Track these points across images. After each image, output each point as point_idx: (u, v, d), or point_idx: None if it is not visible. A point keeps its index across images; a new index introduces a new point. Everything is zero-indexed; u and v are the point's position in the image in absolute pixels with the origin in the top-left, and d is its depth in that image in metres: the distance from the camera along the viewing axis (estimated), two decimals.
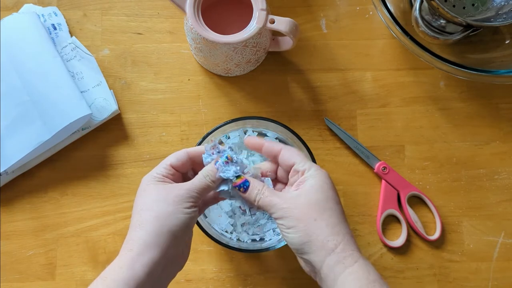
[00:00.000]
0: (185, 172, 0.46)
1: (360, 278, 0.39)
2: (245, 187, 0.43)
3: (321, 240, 0.40)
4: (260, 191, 0.43)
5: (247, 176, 0.44)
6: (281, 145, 0.46)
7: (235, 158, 0.44)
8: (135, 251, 0.39)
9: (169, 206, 0.41)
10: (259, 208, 0.43)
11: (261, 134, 0.59)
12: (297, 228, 0.41)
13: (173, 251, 0.41)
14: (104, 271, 0.40)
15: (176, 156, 0.45)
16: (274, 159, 0.47)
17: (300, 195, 0.42)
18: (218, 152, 0.45)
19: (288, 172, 0.46)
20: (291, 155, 0.45)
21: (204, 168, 0.44)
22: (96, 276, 0.40)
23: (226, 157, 0.44)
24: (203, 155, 0.45)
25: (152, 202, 0.42)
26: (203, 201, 0.47)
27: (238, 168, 0.44)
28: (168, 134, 0.62)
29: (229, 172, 0.43)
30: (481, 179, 0.62)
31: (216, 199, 0.48)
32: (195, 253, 0.59)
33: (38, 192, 0.60)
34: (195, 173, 0.44)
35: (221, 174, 0.43)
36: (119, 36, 0.65)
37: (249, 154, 0.57)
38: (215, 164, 0.44)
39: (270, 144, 0.46)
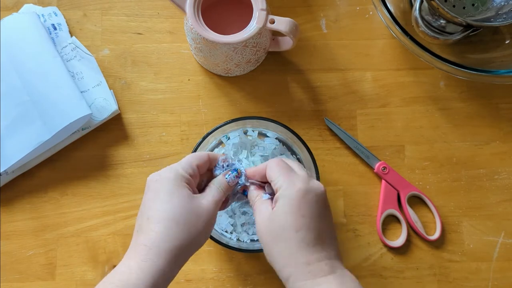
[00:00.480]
0: (202, 174, 0.46)
1: None
2: (244, 194, 0.47)
3: (277, 268, 0.41)
4: (253, 201, 0.45)
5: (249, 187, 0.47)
6: (266, 163, 0.46)
7: (243, 171, 0.47)
8: (160, 264, 0.39)
9: (199, 223, 0.41)
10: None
11: (261, 134, 0.59)
12: (265, 252, 0.42)
13: (185, 262, 0.43)
14: (116, 275, 0.39)
15: (200, 157, 0.45)
16: (265, 179, 0.47)
17: (269, 219, 0.42)
18: (228, 165, 0.47)
19: None
20: (269, 173, 0.44)
21: (217, 181, 0.45)
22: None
23: (236, 171, 0.46)
24: (215, 167, 0.47)
25: (181, 215, 0.41)
26: None
27: (243, 179, 0.47)
28: (168, 134, 0.62)
29: (237, 185, 0.47)
30: (481, 179, 0.62)
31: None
32: (195, 253, 0.59)
33: (38, 192, 0.60)
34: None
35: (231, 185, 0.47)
36: (119, 36, 0.65)
37: (250, 155, 0.57)
38: (226, 177, 0.46)
39: (256, 168, 0.47)
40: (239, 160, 0.55)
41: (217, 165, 0.47)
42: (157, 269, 0.38)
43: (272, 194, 0.45)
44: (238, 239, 0.56)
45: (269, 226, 0.42)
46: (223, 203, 0.47)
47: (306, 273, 0.39)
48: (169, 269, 0.39)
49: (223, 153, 0.49)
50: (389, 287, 0.59)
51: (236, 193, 0.48)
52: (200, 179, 0.46)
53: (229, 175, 0.45)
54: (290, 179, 0.42)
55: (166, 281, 0.40)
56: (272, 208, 0.43)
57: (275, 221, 0.41)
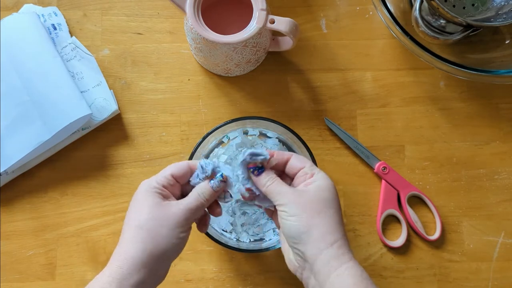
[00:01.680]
0: (184, 183, 0.46)
1: (355, 275, 0.40)
2: (259, 171, 0.45)
3: (321, 232, 0.41)
4: (271, 178, 0.44)
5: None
6: (291, 153, 0.47)
7: (230, 176, 0.45)
8: (125, 269, 0.40)
9: (164, 229, 0.41)
10: (266, 193, 0.44)
11: (262, 134, 0.59)
12: (299, 217, 0.41)
13: (162, 270, 0.42)
14: (93, 282, 0.40)
15: (178, 167, 0.45)
16: (282, 167, 0.47)
17: (309, 190, 0.43)
18: (203, 173, 0.45)
19: (292, 179, 0.46)
20: (302, 160, 0.46)
21: (199, 187, 0.44)
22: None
23: (222, 176, 0.45)
24: (193, 175, 0.45)
25: (147, 221, 0.42)
26: (201, 219, 0.47)
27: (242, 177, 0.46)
28: (168, 134, 0.62)
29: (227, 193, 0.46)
30: (481, 179, 0.62)
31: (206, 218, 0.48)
32: (195, 253, 0.59)
33: (38, 192, 0.60)
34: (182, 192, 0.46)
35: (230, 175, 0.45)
36: (119, 36, 0.65)
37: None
38: (210, 183, 0.44)
39: (281, 153, 0.47)
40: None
41: (193, 174, 0.46)
42: (123, 275, 0.39)
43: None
44: (238, 239, 0.56)
45: (316, 195, 0.43)
46: (215, 208, 0.47)
47: (348, 245, 0.42)
48: (139, 277, 0.40)
49: (203, 160, 0.47)
50: (389, 287, 0.59)
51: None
52: (184, 188, 0.46)
53: (213, 180, 0.44)
54: (312, 163, 0.45)
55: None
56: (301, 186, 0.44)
57: (326, 192, 0.43)
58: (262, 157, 0.44)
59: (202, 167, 0.45)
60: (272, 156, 0.45)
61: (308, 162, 0.46)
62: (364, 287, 0.39)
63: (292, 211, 0.42)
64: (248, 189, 0.46)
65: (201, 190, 0.44)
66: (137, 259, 0.40)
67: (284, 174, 0.47)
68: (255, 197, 0.46)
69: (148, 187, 0.44)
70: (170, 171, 0.45)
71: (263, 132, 0.59)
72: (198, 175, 0.45)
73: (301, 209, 0.42)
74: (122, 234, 0.42)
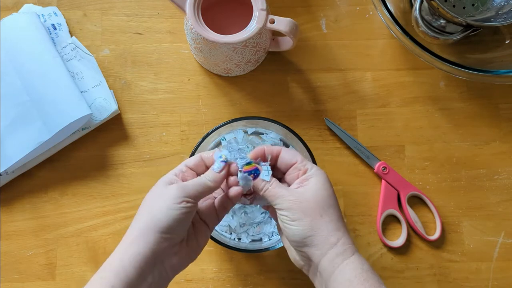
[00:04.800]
0: (201, 172, 0.47)
1: (356, 268, 0.41)
2: (255, 174, 0.45)
3: (325, 235, 0.41)
4: (268, 181, 0.45)
5: (258, 165, 0.45)
6: (280, 147, 0.47)
7: (237, 158, 0.46)
8: (127, 242, 0.41)
9: (159, 201, 0.42)
10: (264, 196, 0.44)
11: (260, 134, 0.59)
12: (302, 222, 0.42)
13: (165, 246, 0.42)
14: (106, 261, 0.42)
15: (191, 158, 0.47)
16: (273, 162, 0.47)
17: (307, 191, 0.43)
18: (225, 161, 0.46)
19: (284, 173, 0.47)
20: (292, 154, 0.46)
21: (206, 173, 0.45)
22: None
23: (221, 158, 0.45)
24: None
25: (149, 199, 0.44)
26: (217, 208, 0.47)
27: (244, 159, 0.46)
28: (168, 134, 0.62)
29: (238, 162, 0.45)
30: (481, 179, 0.62)
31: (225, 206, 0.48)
32: None
33: (38, 192, 0.60)
34: None
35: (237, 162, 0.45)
36: (119, 36, 0.65)
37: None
38: (213, 167, 0.45)
39: (270, 147, 0.47)
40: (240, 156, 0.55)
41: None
42: (124, 250, 0.41)
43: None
44: (238, 239, 0.56)
45: (315, 196, 0.43)
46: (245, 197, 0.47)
47: (349, 237, 0.43)
48: (136, 248, 0.41)
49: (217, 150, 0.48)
50: (389, 287, 0.59)
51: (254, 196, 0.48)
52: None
53: (215, 164, 0.45)
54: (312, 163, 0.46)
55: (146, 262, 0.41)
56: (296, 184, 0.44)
57: (323, 189, 0.43)
58: (250, 183, 0.45)
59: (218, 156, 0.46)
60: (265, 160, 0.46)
61: (298, 156, 0.46)
62: (364, 278, 0.40)
63: (293, 215, 0.42)
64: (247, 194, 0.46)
65: (205, 175, 0.45)
66: (134, 232, 0.41)
67: (276, 168, 0.47)
68: (253, 199, 0.47)
69: (162, 179, 0.45)
70: (184, 162, 0.46)
71: (260, 131, 0.59)
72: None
73: (303, 214, 0.42)
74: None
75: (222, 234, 0.56)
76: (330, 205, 0.43)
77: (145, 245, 0.41)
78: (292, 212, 0.42)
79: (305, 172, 0.45)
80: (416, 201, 0.61)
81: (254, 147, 0.57)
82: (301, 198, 0.43)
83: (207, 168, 0.46)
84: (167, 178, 0.45)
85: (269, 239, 0.56)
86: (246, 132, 0.58)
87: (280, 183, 0.45)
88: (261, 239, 0.57)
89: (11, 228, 0.60)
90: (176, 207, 0.42)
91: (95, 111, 0.60)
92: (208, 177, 0.44)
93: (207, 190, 0.44)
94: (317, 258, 0.42)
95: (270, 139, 0.58)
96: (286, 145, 0.59)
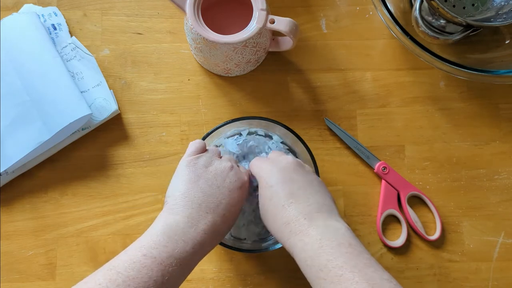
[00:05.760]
0: None
1: (300, 260, 0.42)
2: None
3: (274, 232, 0.45)
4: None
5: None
6: (251, 163, 0.51)
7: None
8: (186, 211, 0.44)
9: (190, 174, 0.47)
10: None
11: (259, 134, 0.59)
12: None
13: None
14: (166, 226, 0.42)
15: (200, 143, 0.51)
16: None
17: (260, 204, 0.48)
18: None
19: None
20: (252, 171, 0.50)
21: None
22: None
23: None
24: None
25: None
26: None
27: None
28: (168, 134, 0.62)
29: None
30: (481, 179, 0.62)
31: None
32: None
33: (38, 192, 0.60)
34: None
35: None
36: (119, 36, 0.65)
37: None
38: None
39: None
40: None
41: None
42: (189, 215, 0.43)
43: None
44: (238, 239, 0.56)
45: (260, 210, 0.47)
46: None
47: (287, 232, 0.43)
48: (196, 215, 0.43)
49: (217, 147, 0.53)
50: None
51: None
52: None
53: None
54: (260, 166, 0.49)
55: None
56: None
57: (260, 202, 0.47)
58: None
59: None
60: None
61: (253, 166, 0.49)
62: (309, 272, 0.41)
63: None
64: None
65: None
66: (191, 205, 0.44)
67: None
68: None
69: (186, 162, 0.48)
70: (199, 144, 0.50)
71: (258, 132, 0.59)
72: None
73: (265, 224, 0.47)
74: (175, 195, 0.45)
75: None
76: (264, 219, 0.46)
77: (202, 213, 0.45)
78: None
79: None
80: (416, 201, 0.61)
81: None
82: (260, 210, 0.47)
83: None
84: (187, 161, 0.48)
85: (269, 239, 0.56)
86: (239, 134, 0.58)
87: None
88: (261, 239, 0.57)
89: (11, 228, 0.60)
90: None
91: (95, 111, 0.60)
92: None
93: None
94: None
95: (274, 143, 0.58)
96: (286, 144, 0.59)
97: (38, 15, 0.63)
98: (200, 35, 0.55)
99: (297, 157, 0.59)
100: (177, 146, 0.62)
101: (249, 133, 0.59)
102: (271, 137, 0.59)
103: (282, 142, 0.58)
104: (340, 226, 0.42)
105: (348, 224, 0.60)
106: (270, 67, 0.64)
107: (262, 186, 0.47)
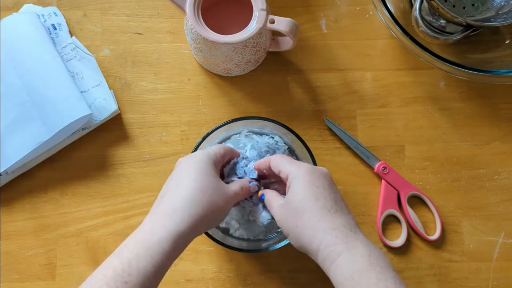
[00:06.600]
0: (224, 163, 0.51)
1: (343, 270, 0.40)
2: (261, 198, 0.50)
3: (307, 243, 0.43)
4: (269, 202, 0.48)
5: (262, 190, 0.51)
6: (270, 157, 0.50)
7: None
8: (182, 227, 0.42)
9: (221, 201, 0.45)
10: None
11: (259, 134, 0.59)
12: (289, 236, 0.45)
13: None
14: (140, 234, 0.42)
15: (224, 149, 0.50)
16: (269, 173, 0.51)
17: (284, 205, 0.45)
18: (247, 167, 0.52)
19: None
20: (276, 164, 0.48)
21: (241, 181, 0.49)
22: None
23: (258, 181, 0.51)
24: (236, 165, 0.52)
25: (208, 187, 0.44)
26: None
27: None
28: (168, 134, 0.62)
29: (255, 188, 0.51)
30: (481, 179, 0.62)
31: None
32: (195, 253, 0.59)
33: (38, 192, 0.60)
34: None
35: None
36: (119, 36, 0.65)
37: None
38: (251, 183, 0.50)
39: (261, 161, 0.51)
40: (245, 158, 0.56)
41: (238, 164, 0.52)
42: (178, 231, 0.41)
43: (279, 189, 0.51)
44: (238, 239, 0.56)
45: (289, 207, 0.44)
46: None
47: (334, 237, 0.41)
48: (188, 233, 0.42)
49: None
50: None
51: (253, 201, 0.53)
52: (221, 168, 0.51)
53: (252, 183, 0.50)
54: (296, 164, 0.47)
55: (183, 246, 0.42)
56: (286, 193, 0.46)
57: (294, 199, 0.44)
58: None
59: (245, 164, 0.52)
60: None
61: (281, 165, 0.47)
62: (356, 281, 0.39)
63: (282, 226, 0.45)
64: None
65: (242, 184, 0.49)
66: (194, 219, 0.42)
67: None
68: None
69: (209, 157, 0.47)
70: (221, 151, 0.49)
71: (256, 132, 0.59)
72: (242, 168, 0.52)
73: (286, 230, 0.45)
74: (175, 190, 0.44)
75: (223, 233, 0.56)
76: (304, 211, 0.43)
77: (197, 232, 0.45)
78: (280, 223, 0.46)
79: (287, 178, 0.46)
80: (416, 201, 0.61)
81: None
82: (282, 215, 0.45)
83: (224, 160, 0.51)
84: (211, 157, 0.47)
85: (270, 239, 0.56)
86: (239, 133, 0.58)
87: (274, 193, 0.48)
88: (261, 239, 0.57)
89: (11, 228, 0.60)
90: (227, 213, 0.48)
91: (95, 111, 0.60)
92: (244, 191, 0.49)
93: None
94: (313, 257, 0.43)
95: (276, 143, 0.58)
96: (286, 144, 0.59)
97: (38, 15, 0.63)
98: (200, 35, 0.55)
99: (297, 157, 0.59)
100: (177, 146, 0.62)
101: (248, 133, 0.59)
102: (272, 138, 0.59)
103: (284, 143, 0.58)
104: (378, 248, 0.43)
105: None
106: (270, 67, 0.64)
107: (303, 185, 0.44)
